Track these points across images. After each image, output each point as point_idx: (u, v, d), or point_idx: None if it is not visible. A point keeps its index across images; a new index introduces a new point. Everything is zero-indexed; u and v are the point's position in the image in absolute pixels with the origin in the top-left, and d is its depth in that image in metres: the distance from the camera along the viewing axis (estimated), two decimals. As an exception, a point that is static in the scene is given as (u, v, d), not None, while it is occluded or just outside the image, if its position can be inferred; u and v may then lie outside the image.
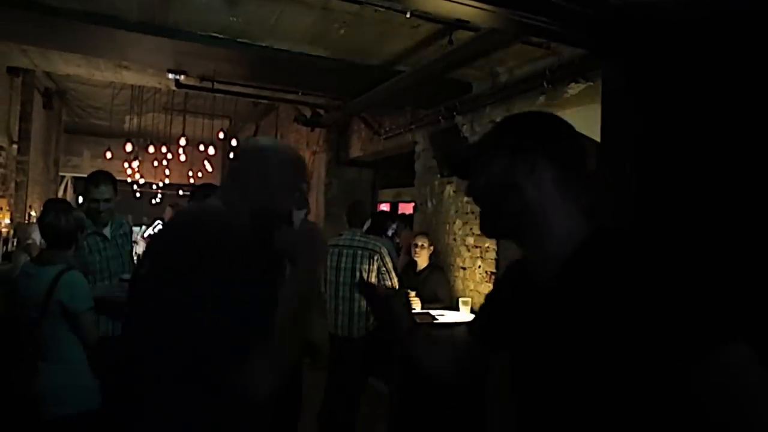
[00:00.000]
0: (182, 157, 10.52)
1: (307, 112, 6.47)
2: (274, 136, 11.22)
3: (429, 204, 5.30)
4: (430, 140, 4.88)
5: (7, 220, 8.77)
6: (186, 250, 1.18)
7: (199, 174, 12.20)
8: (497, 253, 4.30)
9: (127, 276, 3.24)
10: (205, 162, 11.13)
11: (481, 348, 1.21)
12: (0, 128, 8.69)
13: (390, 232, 7.85)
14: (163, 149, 10.81)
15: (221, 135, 10.16)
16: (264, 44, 3.96)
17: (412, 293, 4.37)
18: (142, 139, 12.07)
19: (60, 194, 13.37)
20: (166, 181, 12.36)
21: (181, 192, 13.32)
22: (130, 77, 5.19)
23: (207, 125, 11.84)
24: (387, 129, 6.15)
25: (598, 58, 2.90)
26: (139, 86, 9.29)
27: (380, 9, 3.26)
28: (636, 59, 2.30)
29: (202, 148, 9.38)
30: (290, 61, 4.12)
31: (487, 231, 1.05)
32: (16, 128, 8.99)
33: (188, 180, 12.00)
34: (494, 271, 4.32)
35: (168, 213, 6.53)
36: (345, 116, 6.11)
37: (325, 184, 7.40)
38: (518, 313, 1.04)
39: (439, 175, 5.08)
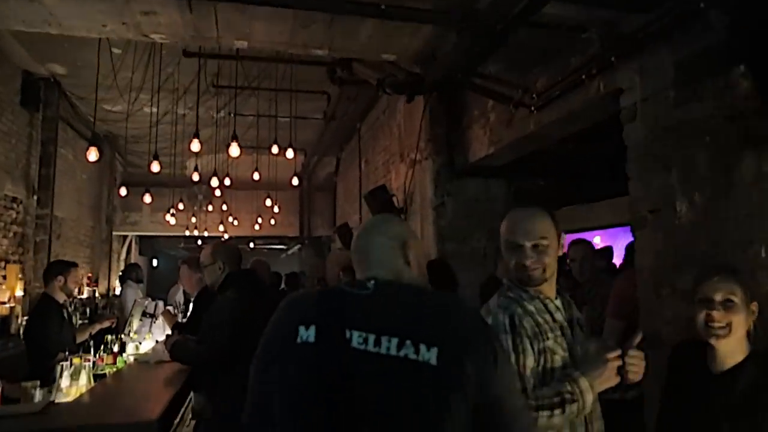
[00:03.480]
0: (250, 204, 8.36)
1: (400, 74, 3.81)
2: (359, 161, 8.80)
3: (682, 208, 2.37)
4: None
5: (19, 292, 6.82)
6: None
7: (272, 222, 9.97)
8: None
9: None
10: (275, 208, 8.84)
11: None
12: (15, 176, 6.88)
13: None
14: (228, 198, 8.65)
15: (295, 180, 7.82)
16: None
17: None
18: (205, 186, 10.13)
19: (122, 257, 11.69)
20: (223, 233, 10.19)
21: (252, 244, 11.19)
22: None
23: (281, 164, 9.66)
24: (546, 87, 3.38)
25: None
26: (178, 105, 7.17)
27: None
28: None
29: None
30: None
31: None
32: (38, 175, 7.17)
33: (252, 229, 9.76)
34: None
35: (184, 272, 3.98)
36: (461, 70, 3.40)
37: (434, 208, 4.67)
38: None
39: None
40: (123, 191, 6.99)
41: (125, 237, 11.39)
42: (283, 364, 1.16)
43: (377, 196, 5.13)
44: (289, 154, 5.37)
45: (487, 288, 4.17)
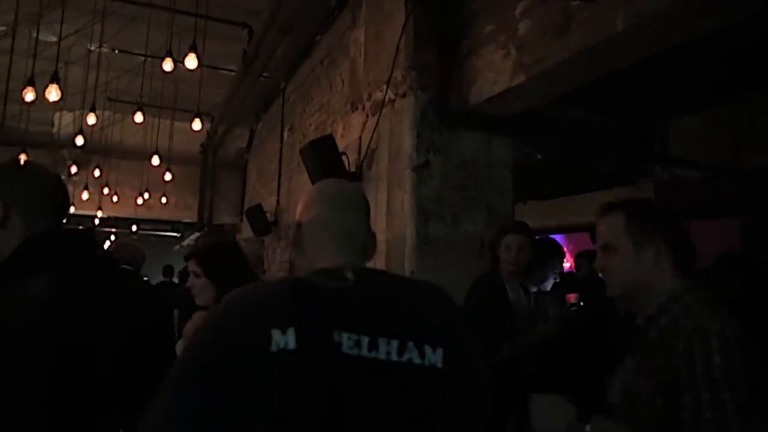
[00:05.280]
0: (136, 177, 6.33)
1: None
2: (280, 131, 7.04)
3: None
4: None
5: None
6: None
7: (163, 200, 7.91)
8: None
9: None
10: (167, 175, 6.87)
11: None
12: None
13: (550, 280, 3.54)
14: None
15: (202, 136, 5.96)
16: None
17: None
18: (78, 150, 7.88)
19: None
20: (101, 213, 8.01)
21: (135, 228, 9.04)
22: None
23: (180, 131, 7.66)
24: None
25: None
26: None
27: None
28: None
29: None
30: None
31: None
32: None
33: (137, 209, 7.70)
34: None
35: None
36: None
37: (414, 168, 3.09)
38: None
39: None
40: None
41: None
42: (253, 380, 0.83)
43: (320, 149, 3.47)
44: (191, 62, 3.49)
45: (481, 284, 2.76)
